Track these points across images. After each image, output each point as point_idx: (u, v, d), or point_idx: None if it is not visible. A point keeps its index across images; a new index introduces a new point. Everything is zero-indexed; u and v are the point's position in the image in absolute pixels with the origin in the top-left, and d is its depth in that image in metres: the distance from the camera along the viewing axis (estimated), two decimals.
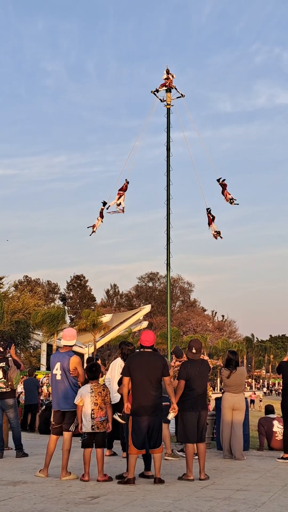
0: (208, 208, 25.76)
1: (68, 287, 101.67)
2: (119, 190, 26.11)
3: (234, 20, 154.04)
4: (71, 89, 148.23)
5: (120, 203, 25.95)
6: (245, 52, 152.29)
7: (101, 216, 26.32)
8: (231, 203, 25.37)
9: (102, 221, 26.41)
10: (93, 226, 26.32)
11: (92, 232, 26.40)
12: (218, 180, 25.53)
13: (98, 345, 58.57)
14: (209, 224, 25.74)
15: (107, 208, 26.00)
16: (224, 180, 25.49)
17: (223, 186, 25.43)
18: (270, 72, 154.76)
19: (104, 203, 26.14)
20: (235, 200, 25.43)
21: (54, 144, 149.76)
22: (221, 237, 25.75)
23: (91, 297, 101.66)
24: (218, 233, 25.57)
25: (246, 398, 11.72)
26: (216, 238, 25.77)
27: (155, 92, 27.41)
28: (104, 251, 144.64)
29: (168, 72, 27.59)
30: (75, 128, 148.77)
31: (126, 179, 26.24)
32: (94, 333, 55.21)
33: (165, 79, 27.41)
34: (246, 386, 74.07)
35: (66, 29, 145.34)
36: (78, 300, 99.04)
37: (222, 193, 25.53)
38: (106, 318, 60.55)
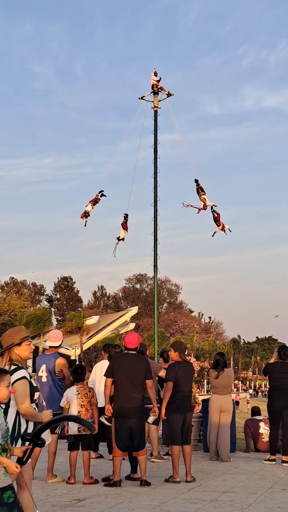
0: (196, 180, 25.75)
1: (55, 289, 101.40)
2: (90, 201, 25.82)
3: (222, 23, 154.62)
4: (59, 91, 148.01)
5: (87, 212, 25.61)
6: (232, 55, 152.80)
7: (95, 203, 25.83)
8: (223, 230, 25.59)
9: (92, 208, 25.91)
10: (85, 214, 25.79)
11: (86, 220, 25.89)
12: (211, 208, 25.74)
13: (85, 347, 58.41)
14: (217, 221, 25.73)
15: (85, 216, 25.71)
16: (214, 208, 25.71)
17: (217, 214, 25.62)
18: (258, 75, 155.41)
19: (102, 194, 25.87)
20: (229, 229, 25.71)
21: (42, 145, 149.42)
22: (230, 230, 25.80)
23: (78, 298, 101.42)
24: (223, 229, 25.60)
25: (233, 400, 11.74)
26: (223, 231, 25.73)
27: (143, 98, 27.47)
28: (92, 253, 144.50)
29: (155, 75, 27.66)
30: (64, 130, 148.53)
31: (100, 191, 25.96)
32: (80, 335, 55.07)
33: (157, 81, 27.45)
34: (233, 388, 74.38)
35: (55, 31, 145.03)
36: (65, 302, 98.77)
37: (215, 220, 25.64)
38: (92, 320, 60.43)
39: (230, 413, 10.94)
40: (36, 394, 5.53)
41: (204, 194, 25.19)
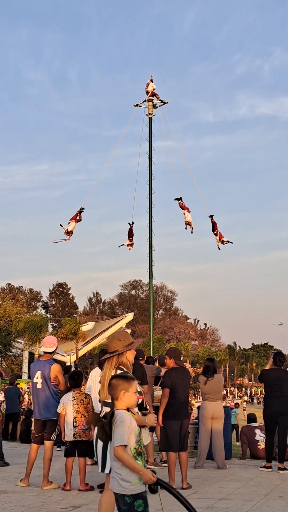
0: (211, 215, 26.06)
1: (51, 295, 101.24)
2: (71, 218, 26.05)
3: (215, 31, 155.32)
4: (53, 97, 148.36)
5: (71, 231, 25.87)
6: (226, 62, 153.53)
7: (78, 220, 26.10)
8: (222, 243, 25.79)
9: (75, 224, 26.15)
10: (69, 232, 25.97)
11: (67, 238, 26.09)
12: (210, 217, 25.99)
13: (80, 353, 58.33)
14: (214, 230, 25.96)
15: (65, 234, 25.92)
16: (212, 216, 25.93)
17: (214, 224, 25.86)
18: (251, 82, 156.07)
19: (82, 209, 26.15)
20: (228, 241, 25.92)
21: (36, 152, 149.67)
22: (230, 242, 26.04)
23: (73, 305, 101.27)
24: (222, 241, 25.82)
25: (227, 407, 11.72)
26: (223, 243, 25.96)
27: (138, 105, 27.60)
28: (87, 259, 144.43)
29: (151, 82, 27.78)
30: (57, 136, 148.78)
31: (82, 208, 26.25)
32: (76, 342, 54.96)
33: (148, 89, 27.56)
34: (228, 395, 74.28)
35: (49, 38, 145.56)
36: (60, 308, 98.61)
37: (213, 230, 25.87)
38: (88, 326, 60.41)
39: (222, 420, 10.89)
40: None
41: (217, 230, 25.71)
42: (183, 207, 25.96)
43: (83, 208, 26.22)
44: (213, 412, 10.69)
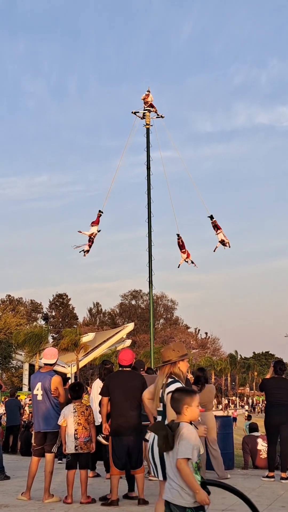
0: (210, 216, 26.14)
1: (51, 306, 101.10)
2: (92, 223, 26.11)
3: (212, 42, 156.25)
4: (52, 109, 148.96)
5: (93, 233, 25.91)
6: (223, 73, 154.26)
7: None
8: (224, 245, 25.87)
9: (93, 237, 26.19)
10: (86, 251, 26.01)
11: (85, 252, 26.10)
12: (210, 217, 26.08)
13: (81, 364, 58.15)
14: (217, 230, 26.04)
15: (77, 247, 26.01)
16: (212, 218, 26.03)
17: (217, 227, 25.96)
18: (249, 92, 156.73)
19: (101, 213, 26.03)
20: (227, 243, 26.00)
21: (35, 163, 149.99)
22: (229, 247, 26.11)
23: (73, 315, 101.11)
24: (223, 243, 25.87)
25: (230, 416, 11.66)
26: (224, 245, 26.03)
27: (136, 113, 27.72)
28: (87, 269, 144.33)
29: (148, 93, 27.92)
30: (56, 147, 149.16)
31: (100, 210, 26.31)
32: (76, 353, 54.80)
33: (145, 99, 27.69)
34: (230, 404, 74.01)
35: (48, 50, 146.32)
36: (60, 319, 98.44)
37: (215, 229, 25.97)
38: (88, 337, 60.23)
39: (214, 429, 10.82)
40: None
41: (220, 231, 25.79)
42: (217, 226, 26.11)
43: (101, 212, 26.26)
44: (205, 422, 10.58)
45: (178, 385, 5.41)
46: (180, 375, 5.61)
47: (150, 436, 5.54)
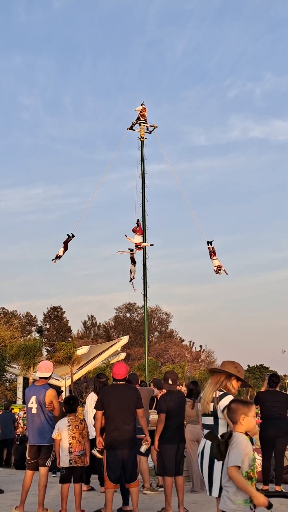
0: (210, 241, 26.40)
1: (45, 319, 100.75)
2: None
3: (207, 56, 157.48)
4: (47, 122, 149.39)
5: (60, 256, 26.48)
6: (218, 87, 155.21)
7: (65, 247, 26.75)
8: (217, 271, 26.06)
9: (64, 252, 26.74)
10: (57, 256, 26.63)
11: (56, 258, 26.68)
12: (208, 243, 26.33)
13: (75, 377, 57.89)
14: (211, 257, 26.28)
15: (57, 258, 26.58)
16: (212, 244, 26.26)
17: (213, 251, 26.18)
18: (244, 106, 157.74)
19: (72, 235, 26.67)
20: (223, 271, 26.20)
21: (31, 176, 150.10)
22: (226, 273, 26.39)
23: (67, 328, 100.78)
24: (219, 268, 26.08)
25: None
26: (216, 272, 26.34)
27: (132, 128, 27.94)
28: (81, 282, 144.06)
29: (143, 107, 28.14)
30: (52, 160, 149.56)
31: (71, 233, 26.78)
32: (70, 366, 54.60)
33: (140, 112, 27.90)
34: None
35: (43, 64, 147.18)
36: (55, 332, 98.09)
37: (211, 257, 26.19)
38: (83, 350, 60.01)
39: None
40: None
41: (215, 258, 26.04)
42: (214, 252, 26.33)
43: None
44: (199, 435, 10.58)
45: (230, 397, 5.45)
46: (231, 390, 5.60)
47: (201, 449, 5.44)
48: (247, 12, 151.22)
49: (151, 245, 26.33)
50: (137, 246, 25.99)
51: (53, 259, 26.80)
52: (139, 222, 26.32)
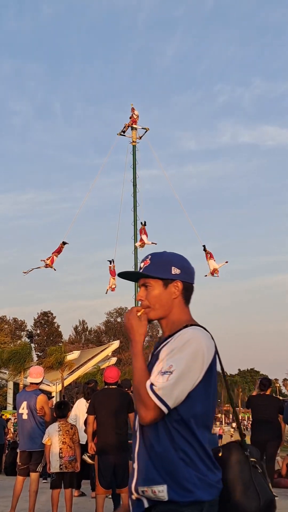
0: (203, 245, 26.45)
1: (35, 324, 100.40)
2: (54, 252, 26.37)
3: (196, 62, 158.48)
4: (37, 128, 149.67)
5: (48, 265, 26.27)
6: (208, 92, 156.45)
7: (58, 252, 26.56)
8: (212, 273, 26.08)
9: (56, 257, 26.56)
10: (49, 261, 26.28)
11: (47, 266, 26.35)
12: (204, 248, 26.37)
13: (66, 382, 57.67)
14: (207, 259, 26.29)
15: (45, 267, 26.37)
16: (205, 248, 26.32)
17: (209, 254, 26.20)
18: (233, 111, 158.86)
19: (64, 243, 26.59)
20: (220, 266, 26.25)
21: (21, 181, 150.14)
22: (217, 276, 26.40)
23: (58, 333, 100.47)
24: (215, 271, 26.09)
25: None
26: (212, 275, 26.31)
27: (122, 134, 27.98)
28: (72, 287, 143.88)
29: (132, 111, 28.17)
30: (42, 166, 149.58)
31: (63, 241, 26.73)
32: (61, 371, 54.40)
33: (131, 117, 27.95)
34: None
35: (33, 70, 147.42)
36: (45, 337, 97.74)
37: (207, 260, 26.21)
38: (74, 355, 59.78)
39: None
40: None
41: (212, 259, 26.04)
42: (210, 257, 26.32)
43: (65, 242, 26.60)
44: None
45: None
46: None
47: None
48: (236, 18, 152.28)
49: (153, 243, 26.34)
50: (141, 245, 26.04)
51: (37, 267, 26.31)
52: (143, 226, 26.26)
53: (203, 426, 2.49)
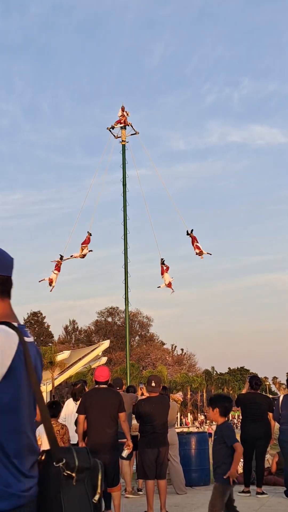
0: (162, 259, 26.57)
1: (26, 324, 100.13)
2: (82, 243, 26.98)
3: (184, 62, 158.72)
4: (26, 128, 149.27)
5: (85, 254, 26.88)
6: (196, 92, 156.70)
7: (58, 269, 27.00)
8: (200, 254, 26.10)
9: (57, 274, 27.01)
10: (50, 281, 26.84)
11: (52, 287, 26.95)
12: (187, 233, 26.39)
13: (56, 382, 57.63)
14: (162, 274, 26.41)
15: (62, 259, 26.90)
16: (192, 231, 26.33)
17: (193, 238, 26.19)
18: (221, 111, 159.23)
19: (61, 257, 26.87)
20: (206, 253, 26.28)
21: (9, 182, 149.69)
22: (209, 253, 26.44)
23: (48, 333, 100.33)
24: (201, 252, 26.13)
25: (206, 432, 11.69)
26: (199, 255, 26.30)
27: (111, 129, 27.92)
28: (62, 287, 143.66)
29: (123, 110, 28.14)
30: (30, 166, 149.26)
31: (88, 232, 27.13)
32: (52, 371, 54.35)
33: (120, 116, 27.93)
34: (206, 420, 73.91)
35: (20, 70, 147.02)
36: (35, 337, 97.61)
37: (192, 244, 26.23)
38: (64, 355, 59.76)
39: (177, 445, 10.89)
40: None
41: (197, 243, 26.08)
42: (194, 241, 26.31)
43: (62, 256, 26.96)
44: (171, 438, 10.55)
45: None
46: None
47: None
48: (223, 19, 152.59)
49: (90, 250, 26.63)
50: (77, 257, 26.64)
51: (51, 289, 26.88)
52: (89, 235, 26.68)
53: (10, 433, 2.31)
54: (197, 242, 26.07)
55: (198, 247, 25.95)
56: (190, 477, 11.38)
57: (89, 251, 26.70)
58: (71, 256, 26.73)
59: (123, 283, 26.13)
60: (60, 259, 26.83)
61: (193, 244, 26.12)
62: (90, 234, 26.89)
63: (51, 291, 26.93)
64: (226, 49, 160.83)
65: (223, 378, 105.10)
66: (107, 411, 7.91)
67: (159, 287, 26.62)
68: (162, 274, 26.41)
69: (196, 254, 26.08)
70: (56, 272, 26.78)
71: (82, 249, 26.58)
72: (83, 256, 26.54)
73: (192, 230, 26.41)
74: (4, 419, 2.28)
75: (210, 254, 26.61)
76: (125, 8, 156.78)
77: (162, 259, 26.52)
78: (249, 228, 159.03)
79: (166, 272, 26.30)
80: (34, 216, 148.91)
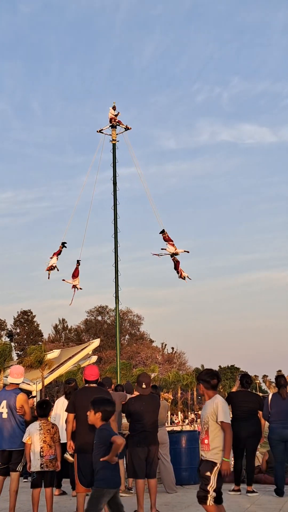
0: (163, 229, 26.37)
1: (15, 323, 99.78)
2: (72, 275, 27.07)
3: (175, 61, 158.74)
4: (16, 127, 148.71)
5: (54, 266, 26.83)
6: (186, 91, 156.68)
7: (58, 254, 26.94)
8: (183, 278, 26.10)
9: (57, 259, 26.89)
10: (52, 267, 26.77)
11: (50, 270, 26.86)
12: (171, 256, 26.34)
13: (46, 381, 57.43)
14: (176, 268, 26.27)
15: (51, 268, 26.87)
16: (163, 231, 26.27)
17: (176, 263, 26.16)
18: (212, 110, 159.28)
19: (63, 244, 26.85)
20: (188, 278, 26.30)
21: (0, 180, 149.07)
22: (189, 278, 26.44)
23: (38, 332, 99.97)
24: (176, 253, 26.10)
25: (196, 431, 11.67)
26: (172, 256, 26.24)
27: (101, 131, 27.88)
28: (52, 286, 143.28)
29: (114, 109, 28.10)
30: (21, 165, 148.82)
31: (77, 260, 27.23)
32: (41, 370, 54.16)
33: (115, 115, 27.88)
34: (196, 419, 73.99)
35: (10, 69, 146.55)
36: (25, 336, 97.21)
37: (175, 269, 26.18)
38: (54, 353, 59.54)
39: (167, 444, 10.89)
40: None
41: (171, 242, 26.00)
42: (167, 239, 26.21)
43: (64, 244, 26.90)
44: (162, 438, 10.54)
45: None
46: None
47: None
48: (214, 18, 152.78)
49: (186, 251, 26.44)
50: (175, 254, 26.09)
51: (48, 271, 26.87)
52: (165, 233, 26.32)
53: None
54: (171, 241, 26.06)
55: (181, 271, 26.03)
56: (180, 476, 11.37)
57: (80, 288, 26.89)
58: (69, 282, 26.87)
59: (113, 282, 26.09)
60: (62, 245, 26.89)
61: (177, 269, 26.13)
62: (79, 264, 27.00)
63: (49, 274, 26.83)
64: (216, 48, 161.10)
65: None
66: None
67: (160, 254, 26.40)
68: (165, 240, 26.35)
69: (179, 277, 26.11)
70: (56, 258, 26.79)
71: (74, 281, 26.71)
72: (75, 286, 26.65)
73: (163, 230, 26.38)
74: None
75: (190, 279, 26.66)
76: (116, 7, 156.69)
77: (163, 229, 26.49)
78: (240, 226, 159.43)
79: (171, 245, 26.19)
80: (25, 215, 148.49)
